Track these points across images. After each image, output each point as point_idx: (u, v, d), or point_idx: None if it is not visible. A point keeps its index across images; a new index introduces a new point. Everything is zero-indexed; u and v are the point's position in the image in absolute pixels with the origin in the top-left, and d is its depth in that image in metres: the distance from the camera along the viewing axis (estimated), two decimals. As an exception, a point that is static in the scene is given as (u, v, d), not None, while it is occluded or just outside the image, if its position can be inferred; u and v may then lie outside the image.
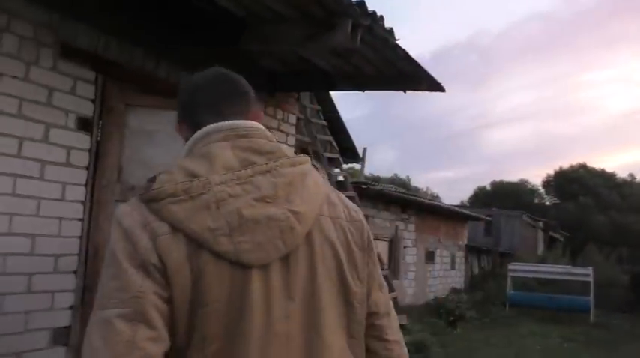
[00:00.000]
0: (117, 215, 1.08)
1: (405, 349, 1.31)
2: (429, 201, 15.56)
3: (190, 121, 1.23)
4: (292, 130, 5.24)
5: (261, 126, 1.22)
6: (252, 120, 1.23)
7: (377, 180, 29.28)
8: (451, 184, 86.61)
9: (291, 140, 5.20)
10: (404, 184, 43.45)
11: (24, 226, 2.99)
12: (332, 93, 11.07)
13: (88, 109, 3.37)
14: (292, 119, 5.27)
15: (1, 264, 2.89)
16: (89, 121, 3.37)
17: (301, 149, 9.47)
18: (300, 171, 1.12)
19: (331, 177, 8.74)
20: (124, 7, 3.52)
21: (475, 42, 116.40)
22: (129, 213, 1.06)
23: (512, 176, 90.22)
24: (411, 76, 4.44)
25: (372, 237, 1.22)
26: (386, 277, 8.81)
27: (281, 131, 5.07)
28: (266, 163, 1.09)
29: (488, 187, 50.30)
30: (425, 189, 50.67)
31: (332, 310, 1.09)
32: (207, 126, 1.16)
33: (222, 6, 3.37)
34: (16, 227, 2.96)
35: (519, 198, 44.36)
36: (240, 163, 1.08)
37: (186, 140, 1.23)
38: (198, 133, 1.18)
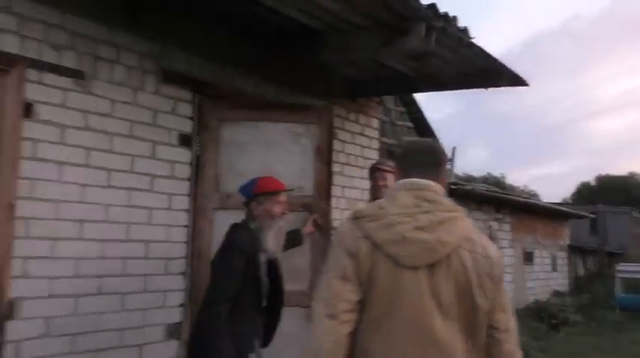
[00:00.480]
0: (340, 226, 1.77)
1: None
2: (524, 199, 14.94)
3: (401, 173, 1.79)
4: (375, 134, 5.39)
5: (436, 186, 1.71)
6: (435, 181, 1.72)
7: (469, 179, 28.52)
8: (551, 181, 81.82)
9: (375, 144, 5.34)
10: (497, 183, 41.79)
11: (139, 233, 3.39)
12: (416, 94, 11.09)
13: (187, 126, 3.74)
14: (375, 123, 5.42)
15: (122, 267, 3.29)
16: (189, 137, 3.74)
17: (388, 152, 9.56)
18: (450, 216, 1.64)
19: (418, 179, 8.74)
20: (213, 31, 3.86)
21: (569, 28, 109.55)
22: (344, 225, 1.71)
23: (619, 169, 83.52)
24: (491, 72, 4.43)
25: (502, 270, 1.69)
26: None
27: (364, 136, 5.23)
28: (428, 208, 1.63)
29: (593, 182, 47.13)
30: (522, 187, 48.40)
31: (455, 315, 1.57)
32: (404, 180, 1.74)
33: (300, 22, 3.60)
34: (133, 234, 3.36)
35: (628, 192, 41.09)
36: (413, 205, 1.64)
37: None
38: (397, 184, 1.76)
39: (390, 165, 3.68)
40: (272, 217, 2.81)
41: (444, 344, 1.54)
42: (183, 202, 3.66)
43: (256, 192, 2.81)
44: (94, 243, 3.16)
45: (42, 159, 2.99)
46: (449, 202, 1.67)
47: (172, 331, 3.48)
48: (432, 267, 1.56)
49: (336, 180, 4.90)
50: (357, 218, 1.67)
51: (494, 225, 13.37)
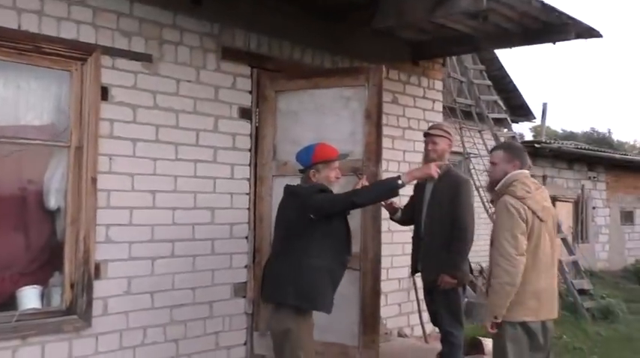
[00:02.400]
0: (508, 202, 2.81)
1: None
2: (621, 156, 13.87)
3: (519, 166, 2.93)
4: (439, 96, 5.33)
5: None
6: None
7: (569, 137, 26.77)
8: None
9: (438, 106, 5.30)
10: (602, 139, 38.76)
11: (205, 201, 3.70)
12: (498, 50, 10.59)
13: (246, 100, 3.96)
14: (439, 85, 5.35)
15: (191, 232, 3.64)
16: (248, 110, 3.97)
17: (464, 112, 9.32)
18: (544, 191, 2.94)
19: (497, 138, 8.48)
20: (270, 7, 4.01)
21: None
22: (515, 202, 2.78)
23: None
24: (556, 26, 4.22)
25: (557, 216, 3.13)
26: (564, 240, 8.32)
27: (427, 98, 5.20)
28: (537, 187, 2.90)
29: None
30: (632, 142, 44.52)
31: (553, 240, 2.89)
32: (523, 170, 2.93)
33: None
34: (200, 202, 3.68)
35: None
36: (534, 188, 2.86)
37: (511, 170, 2.94)
38: (521, 173, 2.91)
39: (442, 129, 3.69)
40: (329, 183, 2.96)
41: (550, 256, 2.84)
42: (245, 171, 3.92)
43: (315, 160, 2.93)
44: (165, 211, 3.51)
45: (118, 137, 3.34)
46: (538, 182, 2.98)
47: (238, 289, 3.82)
48: (551, 220, 2.87)
49: (398, 144, 4.95)
50: (521, 198, 2.78)
51: (587, 184, 12.64)
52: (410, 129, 5.01)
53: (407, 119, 5.03)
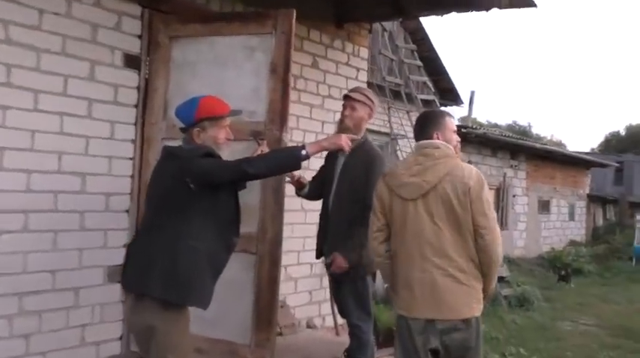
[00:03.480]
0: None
1: (495, 243, 2.31)
2: (542, 146, 14.20)
3: (415, 139, 2.52)
4: (364, 65, 4.84)
5: (436, 141, 2.41)
6: (434, 138, 2.42)
7: (493, 127, 27.49)
8: (584, 131, 78.82)
9: (363, 75, 4.81)
10: (524, 131, 40.42)
11: (73, 165, 3.01)
12: (429, 32, 10.33)
13: (134, 45, 3.28)
14: (364, 53, 4.86)
15: (52, 202, 2.94)
16: (136, 58, 3.29)
17: (392, 92, 8.98)
18: (435, 163, 2.34)
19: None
20: None
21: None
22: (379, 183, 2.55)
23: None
24: (491, -10, 3.82)
25: (480, 189, 2.29)
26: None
27: (351, 66, 4.70)
28: (421, 161, 2.37)
29: (623, 132, 45.33)
30: (549, 137, 46.82)
31: (445, 221, 2.28)
32: (415, 144, 2.52)
33: None
34: (65, 166, 2.98)
35: (659, 143, 39.40)
36: (413, 162, 2.41)
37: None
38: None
39: (364, 93, 3.18)
40: (217, 146, 2.40)
41: (431, 240, 2.28)
42: (128, 131, 3.25)
43: (199, 116, 2.36)
44: (16, 174, 2.80)
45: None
46: (441, 153, 2.36)
47: (113, 273, 3.15)
48: (424, 196, 2.31)
49: (317, 113, 4.44)
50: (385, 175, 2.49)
51: (509, 172, 12.79)
52: (330, 97, 4.50)
53: (327, 87, 4.51)
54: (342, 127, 3.08)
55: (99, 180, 3.12)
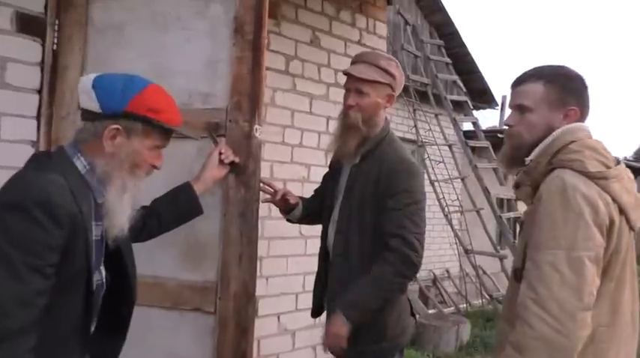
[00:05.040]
0: (569, 183, 1.32)
1: None
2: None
3: (577, 112, 1.49)
4: (381, 45, 3.71)
5: None
6: None
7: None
8: (618, 137, 75.99)
9: (380, 57, 3.68)
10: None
11: None
12: (459, 27, 9.19)
13: (34, 3, 2.23)
14: (381, 30, 3.74)
15: None
16: (38, 21, 2.24)
17: (418, 92, 7.86)
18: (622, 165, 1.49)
19: (456, 124, 7.02)
20: None
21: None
22: (583, 183, 1.32)
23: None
24: None
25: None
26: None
27: (363, 45, 3.57)
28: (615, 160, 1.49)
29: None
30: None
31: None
32: (583, 125, 1.49)
33: None
34: None
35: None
36: (611, 158, 1.47)
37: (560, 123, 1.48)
38: (583, 128, 1.48)
39: (376, 64, 2.02)
40: (134, 172, 1.37)
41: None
42: (27, 128, 2.19)
43: (136, 108, 1.35)
44: None
45: None
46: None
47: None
48: None
49: (318, 107, 3.32)
50: (596, 178, 1.32)
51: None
52: (337, 86, 3.37)
53: (333, 71, 3.39)
54: (345, 124, 1.97)
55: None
